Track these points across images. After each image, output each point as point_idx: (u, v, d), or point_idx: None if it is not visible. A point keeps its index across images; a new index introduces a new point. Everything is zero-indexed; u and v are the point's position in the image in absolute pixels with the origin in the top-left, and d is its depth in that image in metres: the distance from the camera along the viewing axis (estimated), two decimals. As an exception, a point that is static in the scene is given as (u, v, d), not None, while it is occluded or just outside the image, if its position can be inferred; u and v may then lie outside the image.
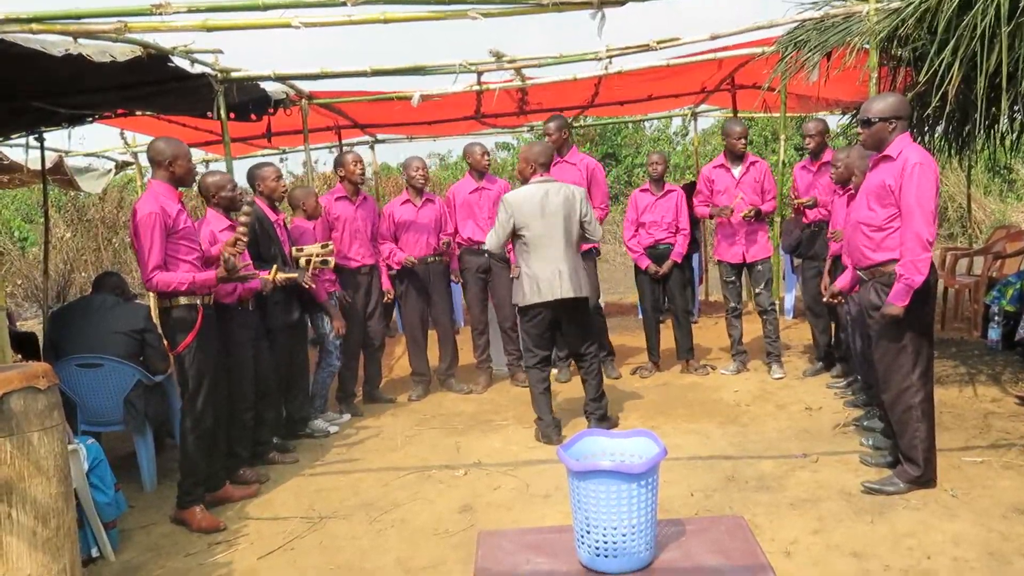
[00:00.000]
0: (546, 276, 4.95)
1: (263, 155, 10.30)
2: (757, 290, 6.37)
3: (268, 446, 5.06)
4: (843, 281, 4.51)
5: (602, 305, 6.85)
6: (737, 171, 6.29)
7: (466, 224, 6.42)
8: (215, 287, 4.16)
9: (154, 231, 3.90)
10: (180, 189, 4.16)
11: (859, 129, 4.00)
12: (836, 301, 4.56)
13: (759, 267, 6.30)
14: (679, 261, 6.50)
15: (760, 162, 6.38)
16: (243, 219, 4.17)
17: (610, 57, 5.88)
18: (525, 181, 5.13)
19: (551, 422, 5.14)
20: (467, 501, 4.27)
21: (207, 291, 4.13)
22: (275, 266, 4.80)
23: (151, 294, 10.49)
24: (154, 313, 5.61)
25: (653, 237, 6.52)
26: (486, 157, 6.49)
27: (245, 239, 4.19)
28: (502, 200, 5.08)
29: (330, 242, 5.40)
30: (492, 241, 5.13)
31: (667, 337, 6.80)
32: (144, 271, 3.94)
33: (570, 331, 5.15)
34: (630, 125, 16.90)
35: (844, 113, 7.99)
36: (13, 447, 2.71)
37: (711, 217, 6.49)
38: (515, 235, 5.04)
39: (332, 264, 5.33)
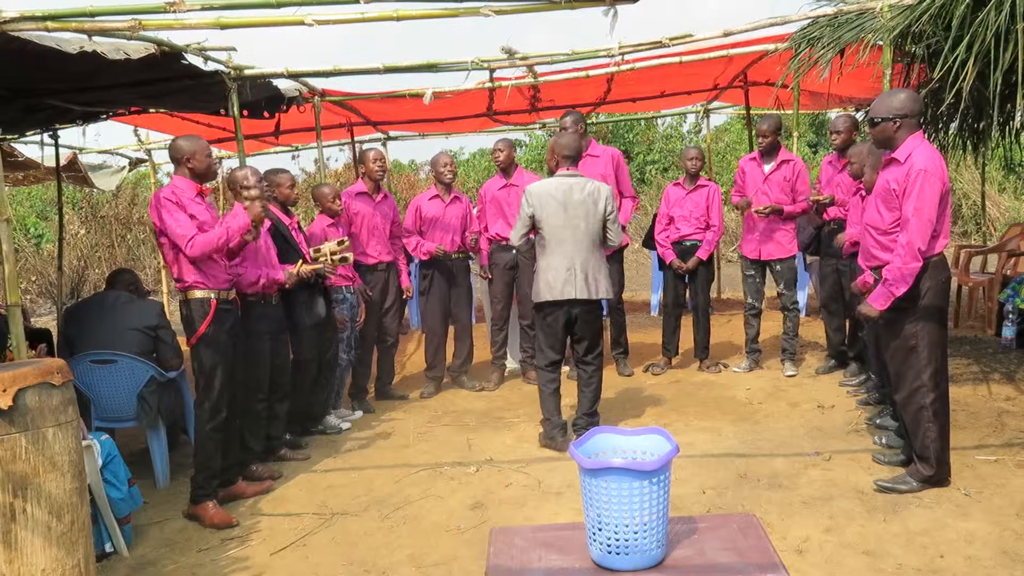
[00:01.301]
0: (560, 274, 4.83)
1: (276, 152, 10.34)
2: (778, 290, 6.34)
3: (280, 442, 5.09)
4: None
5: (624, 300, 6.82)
6: (767, 167, 6.25)
7: (496, 221, 6.41)
8: (251, 230, 4.20)
9: (173, 209, 4.01)
10: (206, 185, 4.28)
11: (867, 129, 3.99)
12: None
13: (778, 267, 6.26)
14: (704, 259, 6.46)
15: (795, 161, 6.26)
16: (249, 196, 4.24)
17: (622, 54, 5.87)
18: (552, 174, 5.03)
19: (558, 423, 5.01)
20: (479, 498, 4.28)
21: (243, 237, 4.18)
22: (300, 260, 4.92)
23: (164, 291, 10.56)
24: (167, 309, 5.65)
25: (679, 232, 6.50)
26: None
27: (256, 200, 4.25)
28: (524, 191, 4.96)
29: (346, 239, 5.42)
30: (513, 234, 5.07)
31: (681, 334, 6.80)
32: (182, 246, 4.00)
33: (579, 334, 5.01)
34: (642, 122, 16.86)
35: (858, 110, 7.95)
36: (28, 443, 2.73)
37: (737, 207, 6.48)
38: (535, 229, 4.94)
39: (351, 260, 5.36)
